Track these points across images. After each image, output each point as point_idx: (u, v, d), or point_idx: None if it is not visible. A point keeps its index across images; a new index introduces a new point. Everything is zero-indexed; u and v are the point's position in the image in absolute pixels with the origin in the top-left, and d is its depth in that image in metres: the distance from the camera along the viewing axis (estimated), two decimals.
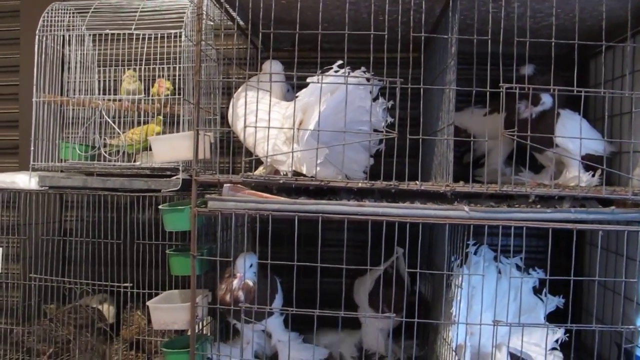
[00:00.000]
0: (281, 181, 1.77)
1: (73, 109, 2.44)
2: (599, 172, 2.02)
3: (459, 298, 1.79)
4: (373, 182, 1.77)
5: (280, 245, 2.35)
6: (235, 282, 1.85)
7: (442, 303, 1.89)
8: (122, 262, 2.28)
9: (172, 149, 1.84)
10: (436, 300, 2.12)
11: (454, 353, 1.82)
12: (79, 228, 2.72)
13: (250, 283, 1.90)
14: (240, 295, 1.85)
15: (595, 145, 2.08)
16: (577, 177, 2.00)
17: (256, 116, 1.81)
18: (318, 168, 1.80)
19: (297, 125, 1.88)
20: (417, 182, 1.77)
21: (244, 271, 1.87)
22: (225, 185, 1.82)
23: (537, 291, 1.98)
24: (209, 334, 2.02)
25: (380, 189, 1.89)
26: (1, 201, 2.26)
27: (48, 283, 2.20)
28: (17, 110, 2.84)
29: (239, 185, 1.82)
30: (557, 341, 1.88)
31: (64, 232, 2.77)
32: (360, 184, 1.76)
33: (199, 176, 1.80)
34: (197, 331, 1.90)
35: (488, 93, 1.83)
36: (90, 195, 2.61)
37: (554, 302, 1.94)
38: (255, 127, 1.78)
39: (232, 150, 2.11)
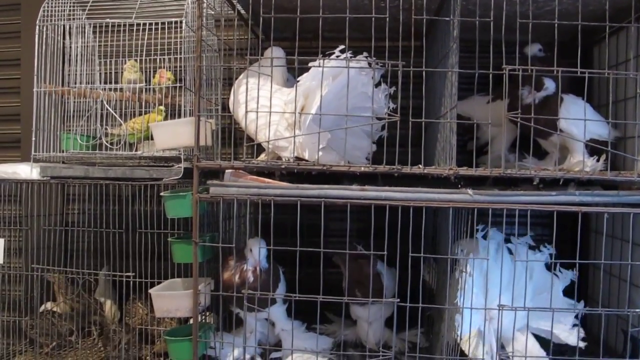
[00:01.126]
0: (283, 166, 1.75)
1: (74, 102, 2.43)
2: (603, 157, 2.00)
3: (464, 284, 1.77)
4: (376, 166, 1.76)
5: (283, 236, 2.33)
6: (250, 266, 1.86)
7: (447, 290, 1.87)
8: (125, 253, 2.27)
9: (173, 135, 1.83)
10: (441, 289, 2.11)
11: (458, 339, 1.81)
12: (81, 220, 2.71)
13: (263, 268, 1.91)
14: (251, 279, 1.85)
15: (600, 129, 2.06)
16: (581, 162, 1.99)
17: (257, 102, 1.80)
18: (320, 153, 1.78)
19: (299, 111, 1.87)
20: (420, 166, 1.76)
21: (260, 256, 1.90)
22: (227, 171, 1.81)
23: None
24: (212, 324, 2.01)
25: (383, 175, 1.87)
26: (3, 193, 2.24)
27: (50, 274, 2.20)
28: (18, 104, 2.84)
29: (240, 171, 1.81)
30: (577, 317, 1.90)
31: (66, 224, 2.76)
32: (362, 168, 1.75)
33: (200, 162, 1.79)
34: (199, 319, 1.88)
35: (491, 79, 1.82)
36: (92, 186, 2.61)
37: (568, 276, 1.93)
38: (257, 111, 1.77)
39: (233, 138, 2.10)
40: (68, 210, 2.77)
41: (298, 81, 1.81)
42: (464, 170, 1.74)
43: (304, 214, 1.80)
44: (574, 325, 1.89)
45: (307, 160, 1.83)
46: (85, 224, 2.68)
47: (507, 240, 1.97)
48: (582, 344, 1.87)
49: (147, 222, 2.21)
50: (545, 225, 2.55)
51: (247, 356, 2.01)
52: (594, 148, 2.09)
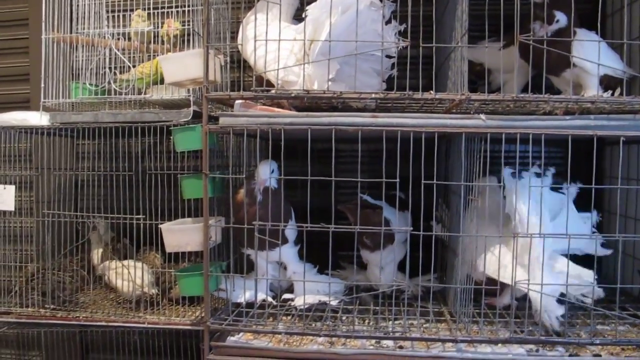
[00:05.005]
0: (293, 94, 1.74)
1: (83, 57, 2.42)
2: (618, 90, 1.98)
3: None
4: (387, 92, 1.73)
5: (294, 188, 2.32)
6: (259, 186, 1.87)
7: (461, 223, 1.85)
8: (135, 198, 2.25)
9: (182, 67, 1.82)
10: (455, 227, 2.08)
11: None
12: (92, 178, 2.71)
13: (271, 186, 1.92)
14: (259, 198, 1.83)
15: (614, 65, 2.03)
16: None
17: (266, 34, 1.78)
18: (330, 83, 1.77)
19: (308, 45, 1.86)
20: (432, 92, 1.74)
21: (267, 174, 1.90)
22: (236, 101, 1.79)
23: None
24: (223, 262, 1.99)
25: (394, 104, 1.86)
26: (12, 142, 2.25)
27: (61, 219, 2.19)
28: (27, 64, 2.84)
29: (250, 102, 1.80)
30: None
31: (76, 182, 2.77)
32: (373, 95, 1.72)
33: (209, 93, 1.78)
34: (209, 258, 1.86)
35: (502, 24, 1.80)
36: (102, 143, 2.61)
37: (573, 190, 1.96)
38: (266, 40, 1.75)
39: (242, 73, 2.08)
40: (78, 168, 2.77)
41: (307, 10, 1.79)
42: (476, 95, 1.71)
43: (314, 165, 1.79)
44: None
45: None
46: (95, 181, 2.67)
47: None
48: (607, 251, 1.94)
49: (158, 178, 2.21)
50: (559, 174, 2.52)
51: (259, 297, 1.99)
52: (607, 85, 2.06)
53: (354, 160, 1.88)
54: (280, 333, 1.82)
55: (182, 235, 1.87)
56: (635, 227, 2.15)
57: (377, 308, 2.02)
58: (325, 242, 1.79)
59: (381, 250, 2.02)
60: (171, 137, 2.18)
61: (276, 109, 1.78)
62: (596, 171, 1.72)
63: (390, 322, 1.91)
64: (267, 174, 1.91)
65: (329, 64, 1.74)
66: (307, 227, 1.76)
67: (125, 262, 2.13)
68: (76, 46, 2.33)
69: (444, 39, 2.15)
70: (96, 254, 2.38)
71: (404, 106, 1.97)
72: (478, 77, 2.42)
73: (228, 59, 2.40)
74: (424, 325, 1.90)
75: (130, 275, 2.08)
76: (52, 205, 2.41)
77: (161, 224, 2.00)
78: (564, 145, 1.73)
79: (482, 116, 1.70)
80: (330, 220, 1.77)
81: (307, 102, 1.79)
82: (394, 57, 2.03)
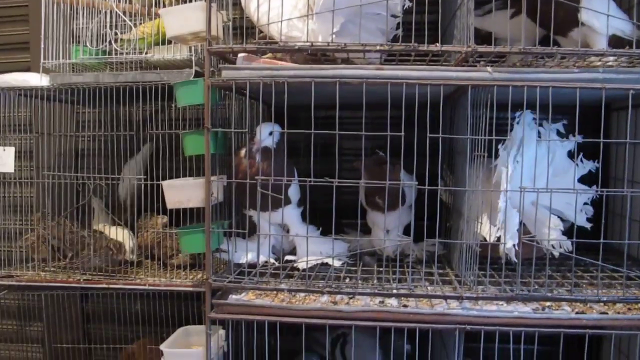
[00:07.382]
0: (297, 46, 1.71)
1: (84, 23, 2.39)
2: (627, 48, 1.94)
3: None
4: (392, 44, 1.71)
5: (297, 156, 2.30)
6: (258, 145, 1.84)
7: (466, 181, 1.83)
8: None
9: (183, 19, 1.78)
10: (457, 197, 2.06)
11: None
12: (92, 147, 2.70)
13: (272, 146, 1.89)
14: (257, 158, 1.81)
15: (623, 25, 1.99)
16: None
17: None
18: (334, 36, 1.74)
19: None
20: (437, 44, 1.71)
21: (263, 136, 1.88)
22: (239, 55, 1.77)
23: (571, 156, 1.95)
24: (225, 220, 1.97)
25: (399, 60, 1.84)
26: (12, 103, 2.22)
27: (62, 180, 2.17)
28: (27, 32, 2.82)
29: (253, 55, 1.77)
30: (587, 202, 1.90)
31: (77, 150, 2.76)
32: (378, 47, 1.70)
33: (212, 46, 1.75)
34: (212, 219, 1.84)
35: None
36: (103, 112, 2.59)
37: (587, 165, 1.91)
38: None
39: (245, 39, 2.06)
40: (79, 136, 2.75)
41: None
42: (482, 48, 1.69)
43: (317, 135, 1.76)
44: (585, 203, 1.90)
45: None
46: (96, 149, 2.65)
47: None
48: (588, 225, 1.87)
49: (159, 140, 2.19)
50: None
51: (261, 259, 1.97)
52: (615, 46, 2.03)
53: (357, 128, 1.85)
54: (283, 290, 1.80)
55: (183, 190, 1.84)
56: None
57: (380, 269, 2.00)
58: (329, 209, 1.76)
59: (386, 211, 2.01)
60: (172, 104, 2.16)
61: (280, 62, 1.76)
62: (603, 135, 1.69)
63: (395, 284, 1.89)
64: (264, 134, 1.89)
65: (333, 16, 1.70)
66: (310, 181, 1.74)
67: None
68: (76, 9, 2.29)
69: (450, 5, 2.12)
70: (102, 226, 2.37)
71: (410, 63, 1.95)
72: (484, 41, 2.39)
73: (230, 24, 2.38)
74: (429, 287, 1.88)
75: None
76: (52, 170, 2.38)
77: None
78: (571, 112, 1.70)
79: (489, 68, 1.68)
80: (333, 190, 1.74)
81: (311, 57, 1.77)
82: (399, 16, 2.00)
